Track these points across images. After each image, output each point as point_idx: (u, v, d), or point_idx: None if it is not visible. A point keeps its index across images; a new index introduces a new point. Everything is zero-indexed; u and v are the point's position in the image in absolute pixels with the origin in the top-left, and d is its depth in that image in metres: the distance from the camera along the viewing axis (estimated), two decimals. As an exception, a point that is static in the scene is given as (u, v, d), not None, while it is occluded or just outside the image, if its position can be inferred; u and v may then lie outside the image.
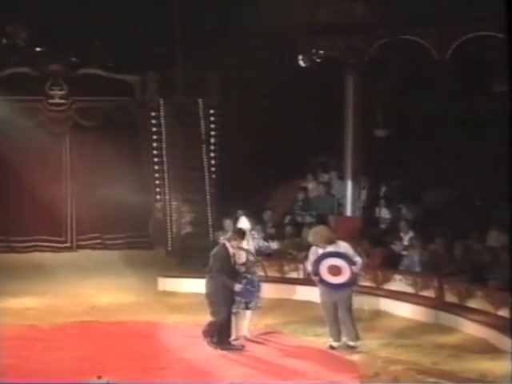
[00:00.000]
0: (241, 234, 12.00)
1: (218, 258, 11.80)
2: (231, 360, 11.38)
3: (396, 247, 15.46)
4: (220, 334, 11.73)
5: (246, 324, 12.28)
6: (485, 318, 12.65)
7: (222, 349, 11.64)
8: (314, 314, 12.87)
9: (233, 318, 12.26)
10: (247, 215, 12.92)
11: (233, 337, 12.21)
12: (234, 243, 11.82)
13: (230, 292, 11.71)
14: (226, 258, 11.76)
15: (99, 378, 7.11)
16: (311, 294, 13.30)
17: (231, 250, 11.81)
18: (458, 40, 14.62)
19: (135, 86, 18.78)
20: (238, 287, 11.70)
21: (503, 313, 12.50)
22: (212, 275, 11.83)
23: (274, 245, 13.16)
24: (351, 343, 11.71)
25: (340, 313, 11.67)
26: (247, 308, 12.15)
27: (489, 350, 11.74)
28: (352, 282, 11.70)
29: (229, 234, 12.23)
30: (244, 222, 12.42)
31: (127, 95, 18.75)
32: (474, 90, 16.24)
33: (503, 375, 10.31)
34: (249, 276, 11.97)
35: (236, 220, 13.17)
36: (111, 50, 18.49)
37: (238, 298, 11.88)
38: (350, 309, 11.73)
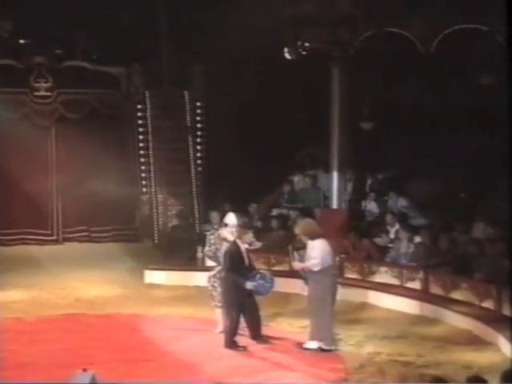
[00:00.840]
0: (246, 225, 11.97)
1: (228, 256, 11.67)
2: (217, 353, 11.39)
3: (382, 240, 15.50)
4: (227, 334, 11.63)
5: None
6: (470, 309, 12.72)
7: (227, 348, 11.51)
8: (300, 306, 12.89)
9: (218, 311, 12.31)
10: (234, 210, 12.91)
11: (219, 329, 12.26)
12: (245, 237, 11.70)
13: (241, 292, 11.48)
14: (238, 256, 11.58)
15: (84, 370, 7.09)
16: (297, 286, 13.32)
17: (243, 247, 11.67)
18: (442, 33, 14.65)
19: (121, 78, 18.71)
20: (249, 285, 11.47)
21: (488, 304, 12.60)
22: (224, 275, 11.73)
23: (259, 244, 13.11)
24: (323, 346, 11.40)
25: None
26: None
27: (473, 341, 11.82)
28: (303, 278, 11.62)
29: (233, 231, 12.09)
30: (231, 218, 12.41)
31: (113, 87, 18.68)
32: (459, 82, 16.27)
33: (488, 366, 10.39)
34: (261, 271, 11.79)
35: (223, 213, 13.16)
36: (96, 43, 18.43)
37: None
38: (312, 308, 11.50)
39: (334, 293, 11.56)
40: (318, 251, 11.44)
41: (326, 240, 11.61)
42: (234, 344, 11.53)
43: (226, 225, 12.42)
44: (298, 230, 11.85)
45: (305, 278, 11.64)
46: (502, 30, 13.80)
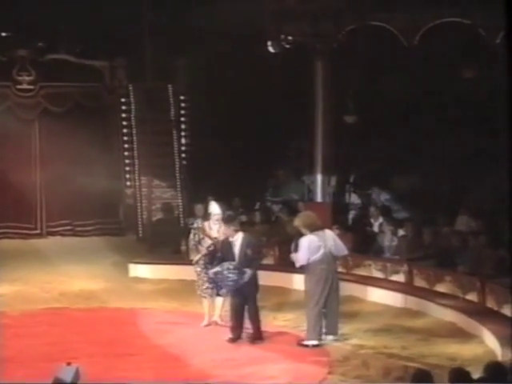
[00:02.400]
0: (225, 219, 11.99)
1: (218, 244, 11.92)
2: (202, 346, 11.40)
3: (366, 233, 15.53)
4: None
5: (217, 310, 12.34)
6: (453, 302, 12.77)
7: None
8: (285, 299, 12.93)
9: (205, 304, 12.33)
10: (217, 200, 12.91)
11: (204, 322, 12.28)
12: (226, 231, 11.69)
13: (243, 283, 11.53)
14: (225, 247, 11.65)
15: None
16: (282, 279, 13.35)
17: (233, 240, 11.63)
18: (425, 26, 14.68)
19: (104, 71, 18.66)
20: (210, 273, 11.69)
21: (471, 297, 12.66)
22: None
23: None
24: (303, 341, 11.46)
25: None
26: (218, 295, 12.21)
27: (457, 333, 11.85)
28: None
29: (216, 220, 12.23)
30: (214, 207, 12.42)
31: (96, 81, 18.63)
32: (443, 76, 16.32)
33: (471, 358, 10.44)
34: (233, 263, 11.54)
35: (207, 206, 13.17)
36: (79, 36, 18.35)
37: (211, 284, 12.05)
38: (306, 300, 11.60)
39: (326, 287, 11.40)
40: (301, 247, 11.47)
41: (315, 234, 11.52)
42: (234, 331, 11.53)
43: (209, 215, 12.46)
44: (296, 222, 11.90)
45: None
46: (484, 24, 13.94)
